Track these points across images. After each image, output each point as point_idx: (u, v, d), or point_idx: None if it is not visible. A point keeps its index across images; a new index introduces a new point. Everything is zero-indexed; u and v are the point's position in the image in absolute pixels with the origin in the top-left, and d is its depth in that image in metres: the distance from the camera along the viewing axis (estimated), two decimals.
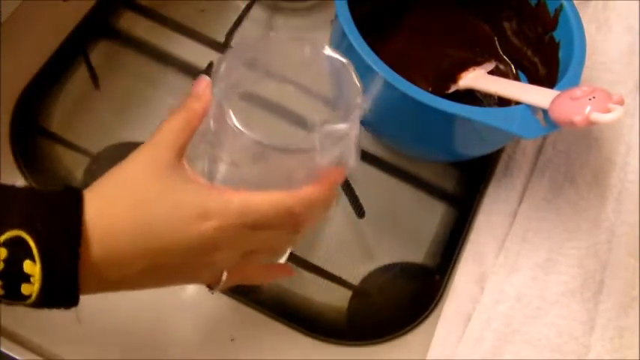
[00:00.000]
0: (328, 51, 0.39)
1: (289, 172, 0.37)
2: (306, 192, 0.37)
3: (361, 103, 0.38)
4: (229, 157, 0.38)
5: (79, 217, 0.32)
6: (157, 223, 0.34)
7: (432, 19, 0.61)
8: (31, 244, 0.31)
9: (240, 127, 0.35)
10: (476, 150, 0.55)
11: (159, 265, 0.34)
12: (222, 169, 0.39)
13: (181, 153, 0.36)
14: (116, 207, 0.34)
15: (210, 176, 0.41)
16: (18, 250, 0.30)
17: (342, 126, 0.37)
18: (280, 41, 0.40)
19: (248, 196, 0.36)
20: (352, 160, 0.39)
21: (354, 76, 0.39)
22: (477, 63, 0.58)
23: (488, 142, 0.54)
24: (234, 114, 0.36)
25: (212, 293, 0.40)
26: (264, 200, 0.36)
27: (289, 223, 0.37)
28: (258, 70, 0.40)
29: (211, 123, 0.37)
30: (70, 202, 0.33)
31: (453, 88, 0.56)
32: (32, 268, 0.31)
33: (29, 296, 0.31)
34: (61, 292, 0.32)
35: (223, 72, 0.37)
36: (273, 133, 0.36)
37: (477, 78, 0.56)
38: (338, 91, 0.40)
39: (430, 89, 0.48)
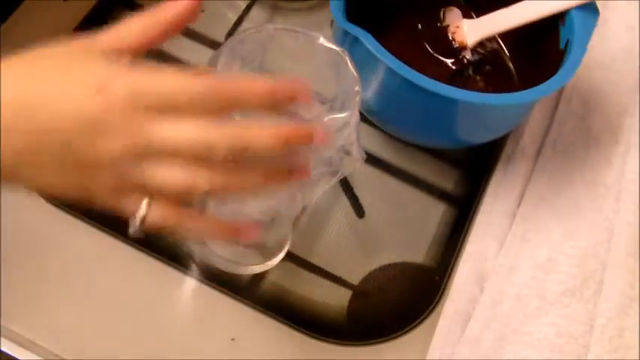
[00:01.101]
0: (323, 41, 0.39)
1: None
2: (240, 79, 0.31)
3: (359, 91, 0.38)
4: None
5: None
6: (53, 93, 0.30)
7: (412, 14, 0.59)
8: None
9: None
10: (482, 135, 0.55)
11: (39, 149, 0.30)
12: None
13: (124, 53, 0.32)
14: (16, 78, 0.31)
15: None
16: None
17: (341, 115, 0.37)
18: (275, 34, 0.40)
19: (150, 72, 0.30)
20: (356, 150, 0.38)
21: (350, 64, 0.38)
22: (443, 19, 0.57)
23: (493, 128, 0.54)
24: None
25: (132, 233, 0.32)
26: (170, 75, 0.30)
27: (202, 107, 0.30)
28: (253, 64, 0.40)
29: None
30: None
31: (468, 55, 0.55)
32: None
33: None
34: None
35: (221, 67, 0.37)
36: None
37: (478, 25, 0.54)
38: (334, 82, 0.40)
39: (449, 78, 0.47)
